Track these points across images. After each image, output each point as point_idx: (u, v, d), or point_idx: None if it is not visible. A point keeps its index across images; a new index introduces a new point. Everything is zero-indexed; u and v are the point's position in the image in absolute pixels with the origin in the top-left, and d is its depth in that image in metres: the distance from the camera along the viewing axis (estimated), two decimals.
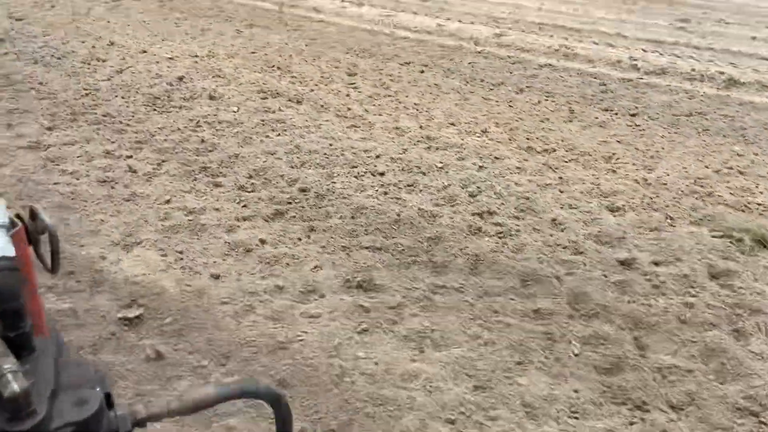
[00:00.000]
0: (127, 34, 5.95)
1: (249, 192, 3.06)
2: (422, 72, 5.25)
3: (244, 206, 2.91)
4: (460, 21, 7.20)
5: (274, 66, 5.18)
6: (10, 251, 0.69)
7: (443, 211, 2.91)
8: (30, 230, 0.81)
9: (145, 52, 5.34)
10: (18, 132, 3.54)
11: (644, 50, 5.96)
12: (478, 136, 3.83)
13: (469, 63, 5.46)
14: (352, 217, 2.86)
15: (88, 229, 2.55)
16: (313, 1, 8.05)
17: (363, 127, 3.93)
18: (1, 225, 0.72)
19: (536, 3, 8.57)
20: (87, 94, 4.28)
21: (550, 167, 3.37)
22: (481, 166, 3.35)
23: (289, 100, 4.37)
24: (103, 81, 4.56)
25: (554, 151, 3.61)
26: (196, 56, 5.31)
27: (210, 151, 3.53)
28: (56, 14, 6.56)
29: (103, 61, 5.02)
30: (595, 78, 5.06)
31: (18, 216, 0.78)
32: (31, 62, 4.93)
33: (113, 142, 3.53)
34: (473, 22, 7.14)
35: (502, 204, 2.95)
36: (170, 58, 5.18)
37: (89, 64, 4.93)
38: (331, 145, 3.62)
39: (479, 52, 5.84)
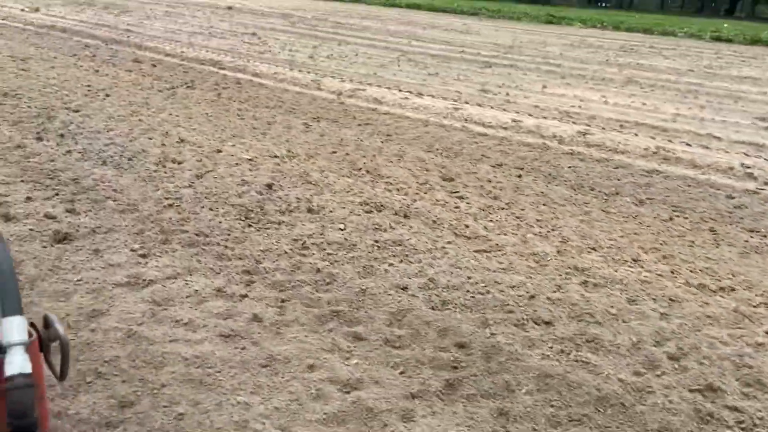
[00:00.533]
0: (194, 129, 5.57)
1: (399, 349, 2.51)
2: (520, 177, 4.83)
3: (403, 373, 2.35)
4: (530, 115, 6.89)
5: (361, 169, 4.76)
6: (28, 368, 0.74)
7: (651, 383, 2.34)
8: (43, 338, 0.85)
9: (220, 151, 4.94)
10: (108, 260, 3.03)
11: (746, 154, 5.59)
12: (631, 267, 3.32)
13: (569, 167, 5.05)
14: (539, 390, 2.30)
15: (233, 420, 1.98)
16: (372, 92, 7.80)
17: (493, 252, 3.43)
18: (20, 342, 0.76)
19: (597, 95, 8.35)
20: (171, 206, 3.80)
21: (744, 315, 2.84)
22: (662, 314, 2.82)
23: (396, 214, 3.89)
24: (184, 188, 4.11)
25: (733, 290, 3.09)
26: (276, 156, 4.89)
27: (329, 283, 3.01)
28: (113, 105, 6.23)
29: (179, 163, 4.59)
30: (716, 189, 4.63)
31: (32, 324, 0.82)
32: (100, 163, 4.51)
33: (218, 273, 3.01)
34: (546, 117, 6.83)
35: (721, 375, 2.39)
36: (250, 160, 4.77)
37: (164, 166, 4.50)
38: (470, 278, 3.10)
39: (571, 153, 5.46)
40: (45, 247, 3.12)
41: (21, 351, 0.76)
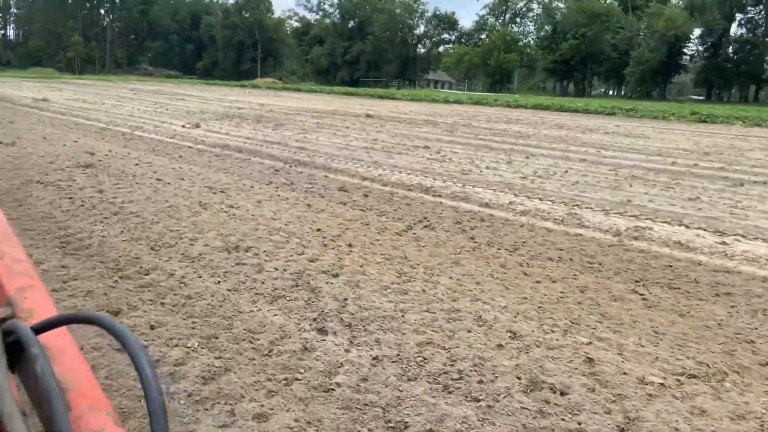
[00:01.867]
0: (503, 306, 3.96)
1: None
2: None
3: None
4: None
5: None
6: None
7: None
8: None
9: (591, 361, 3.22)
10: None
11: None
12: None
13: None
14: None
15: None
16: (660, 231, 6.05)
17: None
18: None
19: None
20: None
21: None
22: None
23: None
24: None
25: None
26: (707, 381, 3.10)
27: None
28: (368, 261, 4.81)
29: (562, 393, 2.89)
30: None
31: None
32: (441, 390, 2.90)
33: None
34: None
35: None
36: (679, 387, 2.99)
37: (545, 401, 2.81)
38: None
39: None
40: None
41: None
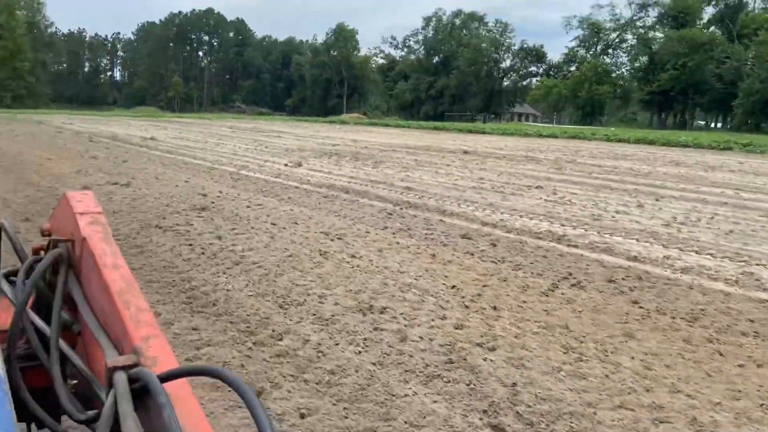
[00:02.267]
0: (731, 410, 3.16)
1: None
2: None
3: None
4: None
5: None
6: None
7: None
8: None
9: None
10: None
11: None
12: None
13: None
14: None
15: None
16: None
17: None
18: None
19: None
20: None
21: None
22: None
23: None
24: None
25: None
26: None
27: None
28: (522, 330, 4.15)
29: None
30: None
31: None
32: None
33: None
34: None
35: None
36: None
37: None
38: None
39: None
40: None
41: None
